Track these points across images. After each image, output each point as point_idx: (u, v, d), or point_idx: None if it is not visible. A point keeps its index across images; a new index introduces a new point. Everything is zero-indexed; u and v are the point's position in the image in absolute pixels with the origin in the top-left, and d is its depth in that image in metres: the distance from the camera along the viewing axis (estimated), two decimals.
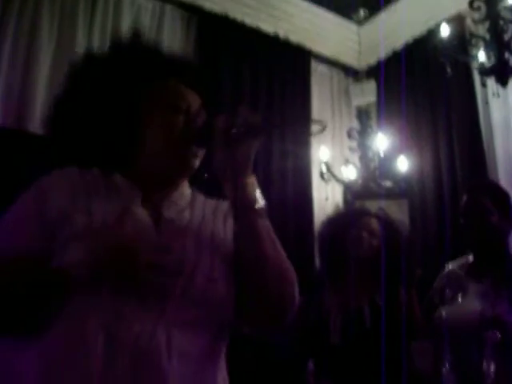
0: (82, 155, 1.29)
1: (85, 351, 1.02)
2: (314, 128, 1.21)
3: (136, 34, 1.42)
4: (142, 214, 1.19)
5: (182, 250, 1.16)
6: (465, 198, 2.51)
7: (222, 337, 1.20)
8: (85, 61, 1.36)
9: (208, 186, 1.37)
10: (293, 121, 1.33)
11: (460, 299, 2.35)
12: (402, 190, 4.35)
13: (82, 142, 1.28)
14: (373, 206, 3.82)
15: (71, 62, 1.37)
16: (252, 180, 1.20)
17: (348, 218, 2.90)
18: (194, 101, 1.31)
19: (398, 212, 4.12)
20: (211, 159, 1.22)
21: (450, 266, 2.55)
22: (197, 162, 1.27)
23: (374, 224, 2.81)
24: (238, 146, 1.17)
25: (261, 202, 1.20)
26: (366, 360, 2.42)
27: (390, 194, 4.35)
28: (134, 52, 1.35)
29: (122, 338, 1.03)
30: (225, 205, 1.31)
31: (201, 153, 1.27)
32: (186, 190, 1.34)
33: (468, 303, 2.29)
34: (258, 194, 1.20)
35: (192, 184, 1.36)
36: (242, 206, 1.18)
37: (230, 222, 1.26)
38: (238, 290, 1.18)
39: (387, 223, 2.87)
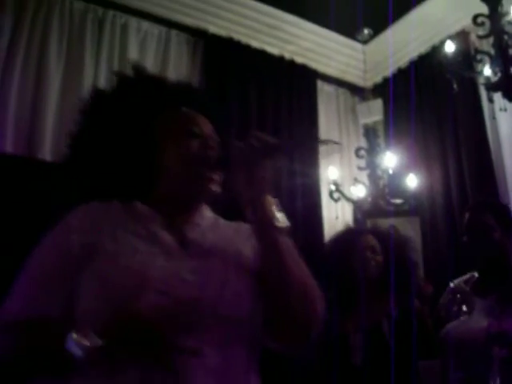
0: (102, 187, 1.32)
1: (122, 368, 1.03)
2: (329, 147, 1.24)
3: (139, 68, 1.48)
4: (166, 237, 1.21)
5: (209, 269, 1.17)
6: (467, 215, 2.52)
7: (254, 353, 1.21)
8: (95, 97, 1.40)
9: (228, 211, 1.38)
10: (301, 141, 1.35)
11: (466, 315, 2.34)
12: (413, 207, 4.33)
13: (102, 173, 1.31)
14: (384, 224, 3.81)
15: (81, 98, 1.41)
16: (271, 199, 1.22)
17: (348, 241, 2.90)
18: (205, 125, 1.34)
19: (410, 229, 4.10)
20: (230, 182, 1.25)
21: (455, 283, 2.55)
22: (216, 186, 1.29)
23: (373, 240, 2.84)
24: (254, 167, 1.20)
25: (282, 220, 1.22)
26: (389, 378, 2.40)
27: (400, 212, 4.34)
28: (141, 85, 1.40)
29: (159, 361, 1.03)
30: (246, 227, 1.32)
31: (219, 177, 1.29)
32: (207, 212, 1.36)
33: (474, 319, 2.28)
34: (279, 212, 1.22)
35: (213, 209, 1.39)
36: (263, 225, 1.21)
37: (253, 243, 1.26)
38: (264, 307, 1.19)
39: (384, 236, 2.90)
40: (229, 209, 1.37)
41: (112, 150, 1.30)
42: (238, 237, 1.32)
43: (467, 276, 2.53)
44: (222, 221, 1.37)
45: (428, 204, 4.36)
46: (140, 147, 1.29)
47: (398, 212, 4.32)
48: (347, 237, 3.00)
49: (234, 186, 1.23)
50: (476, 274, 2.48)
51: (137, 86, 1.40)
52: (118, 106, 1.34)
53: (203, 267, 1.17)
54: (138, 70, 1.47)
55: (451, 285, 2.56)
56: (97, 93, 1.41)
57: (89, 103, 1.39)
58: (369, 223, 4.21)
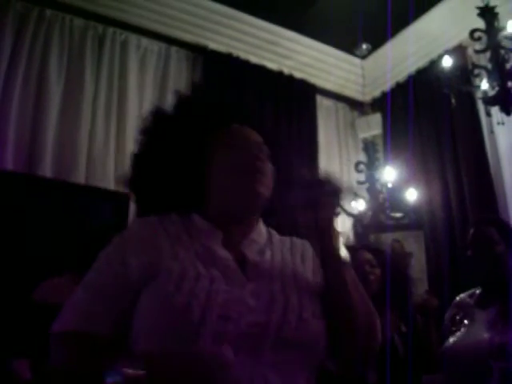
0: (161, 203, 1.35)
1: None
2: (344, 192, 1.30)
3: (196, 89, 1.51)
4: (225, 256, 1.22)
5: (271, 293, 1.17)
6: (471, 230, 2.56)
7: (314, 376, 1.21)
8: (156, 117, 1.43)
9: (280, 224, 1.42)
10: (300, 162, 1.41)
11: (468, 328, 2.36)
12: (413, 221, 4.33)
13: (162, 191, 1.34)
14: (387, 238, 3.83)
15: (143, 118, 1.43)
16: (337, 234, 1.28)
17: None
18: (256, 139, 1.36)
19: (413, 243, 4.10)
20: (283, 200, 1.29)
21: (461, 297, 2.57)
22: (263, 188, 1.29)
23: (368, 254, 2.85)
24: (319, 214, 1.25)
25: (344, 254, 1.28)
26: None
27: (401, 226, 4.34)
28: (198, 106, 1.44)
29: (221, 382, 1.04)
30: (299, 243, 1.37)
31: (267, 182, 1.30)
32: (262, 227, 1.37)
33: (475, 331, 2.30)
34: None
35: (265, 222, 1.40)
36: (331, 258, 1.25)
37: (309, 263, 1.31)
38: (328, 333, 1.21)
39: (378, 252, 2.91)
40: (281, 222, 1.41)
41: (170, 167, 1.33)
42: (294, 256, 1.33)
43: (472, 291, 2.55)
44: (276, 237, 1.38)
45: (428, 218, 4.36)
46: (194, 163, 1.33)
47: (400, 226, 4.33)
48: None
49: (301, 223, 1.28)
50: (478, 290, 2.50)
51: (193, 107, 1.44)
52: (176, 126, 1.39)
53: (264, 291, 1.17)
54: (195, 90, 1.56)
55: (457, 298, 2.58)
56: (157, 113, 1.44)
57: (149, 123, 1.42)
58: (372, 238, 4.21)
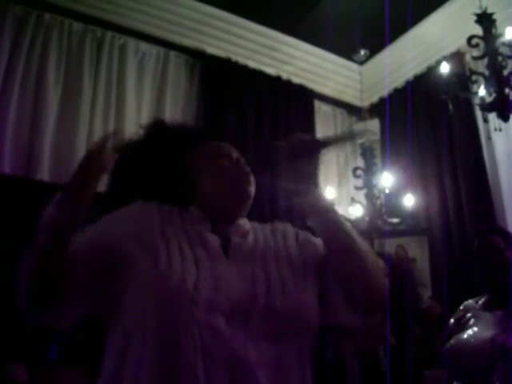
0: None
1: (185, 366, 1.07)
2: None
3: (158, 123, 1.57)
4: (214, 240, 1.28)
5: (252, 271, 1.23)
6: (476, 241, 2.61)
7: (308, 348, 1.24)
8: (129, 148, 1.49)
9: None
10: (340, 135, 1.49)
11: (473, 327, 2.41)
12: (410, 226, 4.33)
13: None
14: (391, 243, 3.83)
15: (116, 147, 1.44)
16: (322, 190, 1.34)
17: None
18: (234, 150, 1.46)
19: (416, 248, 4.10)
20: (276, 181, 1.32)
21: (468, 301, 2.63)
22: (251, 187, 1.38)
23: None
24: (301, 161, 1.29)
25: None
26: None
27: (399, 231, 4.34)
28: (170, 134, 1.52)
29: (217, 350, 1.09)
30: (280, 224, 1.44)
31: (253, 181, 1.39)
32: (245, 218, 1.43)
33: (481, 331, 2.35)
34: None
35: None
36: (322, 207, 1.30)
37: (291, 241, 1.37)
38: (336, 288, 1.26)
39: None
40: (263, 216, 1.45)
41: (151, 183, 1.41)
42: (275, 237, 1.38)
43: (478, 297, 2.60)
44: (257, 224, 1.44)
45: (425, 223, 4.37)
46: (176, 178, 1.40)
47: (400, 231, 4.33)
48: None
49: (284, 183, 1.30)
50: (484, 297, 2.56)
51: (165, 134, 1.52)
52: (152, 151, 1.45)
53: (246, 270, 1.23)
54: (158, 124, 1.57)
55: (464, 303, 2.64)
56: (129, 144, 1.50)
57: (125, 148, 1.48)
58: (376, 243, 4.21)
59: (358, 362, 2.58)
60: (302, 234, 1.41)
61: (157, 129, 1.54)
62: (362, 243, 1.30)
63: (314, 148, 1.31)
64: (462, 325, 2.48)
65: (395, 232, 4.28)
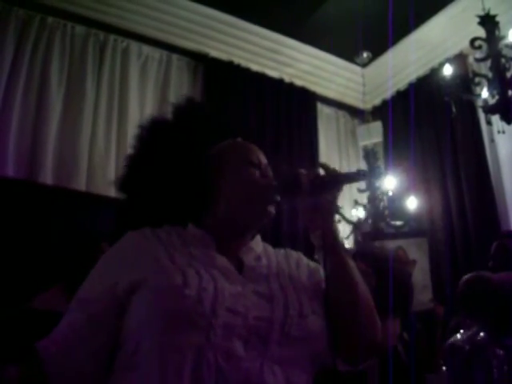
0: (156, 212, 1.35)
1: None
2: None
3: (194, 100, 1.52)
4: (223, 261, 1.23)
5: (270, 292, 1.20)
6: (494, 244, 2.77)
7: (314, 371, 1.24)
8: (154, 125, 1.44)
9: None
10: (362, 172, 1.44)
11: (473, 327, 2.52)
12: (413, 229, 4.33)
13: (156, 200, 1.35)
14: (390, 246, 3.82)
15: (141, 124, 1.44)
16: (337, 225, 1.30)
17: None
18: (261, 155, 1.38)
19: (416, 251, 4.09)
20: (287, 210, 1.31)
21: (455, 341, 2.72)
22: (274, 211, 1.33)
23: (360, 264, 2.84)
24: (322, 194, 1.25)
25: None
26: None
27: (402, 234, 4.33)
28: (198, 117, 1.45)
29: (233, 375, 1.05)
30: (294, 253, 1.39)
31: (277, 202, 1.33)
32: (259, 239, 1.39)
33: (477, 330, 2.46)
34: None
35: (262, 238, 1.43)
36: (334, 248, 1.26)
37: (303, 269, 1.33)
38: (331, 327, 1.23)
39: (373, 260, 2.92)
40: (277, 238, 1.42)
41: (168, 176, 1.34)
42: (289, 263, 1.35)
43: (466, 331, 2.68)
44: (270, 248, 1.40)
45: (428, 226, 4.36)
46: (196, 174, 1.33)
47: (401, 234, 4.32)
48: None
49: (302, 212, 1.29)
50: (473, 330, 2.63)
51: (192, 115, 1.45)
52: (174, 134, 1.39)
53: (264, 290, 1.20)
54: (193, 102, 1.52)
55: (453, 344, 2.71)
56: (154, 121, 1.45)
57: (146, 130, 1.43)
58: (377, 244, 4.20)
59: (378, 363, 2.59)
60: (312, 264, 1.36)
61: (186, 114, 1.47)
62: (364, 290, 1.27)
63: (338, 181, 1.27)
64: (463, 326, 2.62)
65: (395, 234, 4.28)
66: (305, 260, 1.38)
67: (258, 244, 1.36)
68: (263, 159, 1.37)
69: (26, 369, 1.20)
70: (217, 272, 1.18)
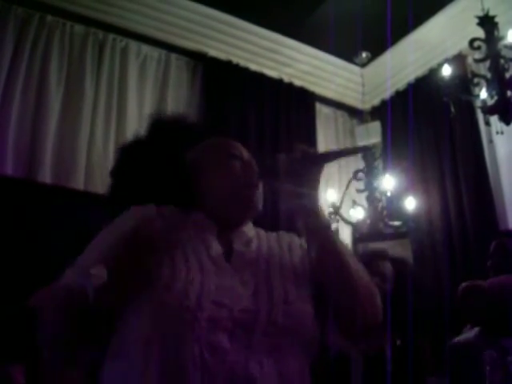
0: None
1: (183, 380, 1.04)
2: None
3: (157, 118, 1.53)
4: (218, 248, 1.25)
5: (255, 283, 1.20)
6: (493, 243, 2.78)
7: (309, 360, 1.22)
8: (135, 142, 1.47)
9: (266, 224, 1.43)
10: (342, 150, 1.44)
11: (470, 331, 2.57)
12: (411, 229, 4.32)
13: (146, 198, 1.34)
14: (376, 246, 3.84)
15: (120, 145, 1.47)
16: (321, 206, 1.29)
17: None
18: (243, 149, 1.41)
19: (402, 252, 4.10)
20: (274, 194, 1.29)
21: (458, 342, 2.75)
22: (259, 203, 1.34)
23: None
24: (304, 177, 1.25)
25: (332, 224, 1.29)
26: None
27: (396, 234, 4.34)
28: (175, 129, 1.48)
29: (218, 368, 1.06)
30: (286, 235, 1.40)
31: (260, 194, 1.35)
32: (251, 224, 1.40)
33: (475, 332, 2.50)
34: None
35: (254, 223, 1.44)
36: (320, 227, 1.26)
37: (296, 251, 1.34)
38: (327, 307, 1.22)
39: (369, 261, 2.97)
40: (266, 221, 1.42)
41: (153, 179, 1.36)
42: (281, 246, 1.36)
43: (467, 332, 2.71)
44: (263, 232, 1.41)
45: (426, 226, 4.36)
46: (181, 173, 1.35)
47: (395, 234, 4.32)
48: None
49: (284, 197, 1.27)
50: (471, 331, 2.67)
51: (166, 129, 1.48)
52: (156, 145, 1.42)
53: (249, 281, 1.20)
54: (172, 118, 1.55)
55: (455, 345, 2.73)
56: (136, 137, 1.48)
57: (130, 144, 1.46)
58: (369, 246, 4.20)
59: (362, 361, 2.60)
60: (305, 244, 1.35)
61: (157, 124, 1.50)
62: (356, 266, 1.25)
63: (316, 162, 1.27)
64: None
65: (384, 235, 4.29)
66: (297, 241, 1.38)
67: (250, 228, 1.37)
68: (246, 153, 1.39)
69: None
70: (207, 261, 1.19)
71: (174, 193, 1.34)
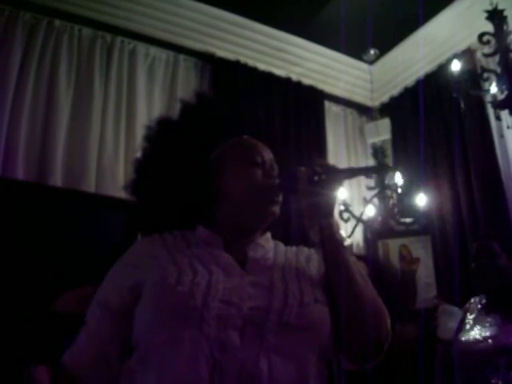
0: (164, 215, 1.39)
1: (193, 379, 1.05)
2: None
3: (202, 96, 1.54)
4: (227, 258, 1.25)
5: (270, 281, 1.20)
6: (475, 245, 2.79)
7: (322, 364, 1.21)
8: (160, 125, 1.46)
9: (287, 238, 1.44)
10: (362, 168, 1.43)
11: (476, 329, 2.56)
12: (422, 226, 4.30)
13: (165, 202, 1.37)
14: (395, 243, 3.81)
15: (147, 125, 1.46)
16: (336, 221, 1.29)
17: None
18: (267, 154, 1.38)
19: (421, 248, 4.07)
20: (293, 208, 1.31)
21: (470, 301, 2.79)
22: (276, 209, 1.33)
23: None
24: (322, 191, 1.24)
25: (346, 240, 1.27)
26: None
27: (411, 231, 4.31)
28: (205, 115, 1.46)
29: (228, 365, 1.06)
30: (305, 249, 1.40)
31: (279, 202, 1.34)
32: (269, 236, 1.41)
33: (483, 332, 2.50)
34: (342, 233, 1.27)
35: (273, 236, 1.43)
36: (333, 245, 1.25)
37: (313, 263, 1.33)
38: (334, 327, 1.21)
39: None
40: (287, 235, 1.44)
41: (173, 179, 1.36)
42: (299, 259, 1.35)
43: (481, 297, 2.74)
44: (281, 245, 1.42)
45: (438, 223, 4.34)
46: (200, 177, 1.35)
47: (408, 231, 4.30)
48: None
49: (302, 210, 1.27)
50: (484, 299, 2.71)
51: (199, 114, 1.46)
52: (181, 135, 1.41)
53: (263, 281, 1.20)
54: (201, 98, 1.54)
55: (467, 303, 2.79)
56: (161, 121, 1.47)
57: (153, 131, 1.45)
58: (381, 243, 4.18)
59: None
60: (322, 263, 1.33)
61: (193, 112, 1.48)
62: (367, 288, 1.24)
63: (336, 177, 1.27)
64: (466, 325, 2.63)
65: (398, 233, 4.26)
66: (316, 257, 1.36)
67: (267, 240, 1.37)
68: (267, 156, 1.38)
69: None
70: (216, 268, 1.20)
71: (194, 191, 1.34)
